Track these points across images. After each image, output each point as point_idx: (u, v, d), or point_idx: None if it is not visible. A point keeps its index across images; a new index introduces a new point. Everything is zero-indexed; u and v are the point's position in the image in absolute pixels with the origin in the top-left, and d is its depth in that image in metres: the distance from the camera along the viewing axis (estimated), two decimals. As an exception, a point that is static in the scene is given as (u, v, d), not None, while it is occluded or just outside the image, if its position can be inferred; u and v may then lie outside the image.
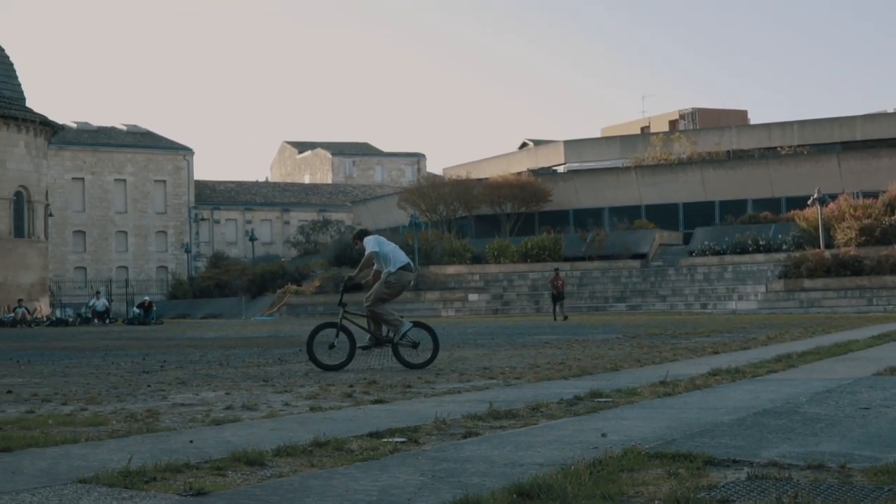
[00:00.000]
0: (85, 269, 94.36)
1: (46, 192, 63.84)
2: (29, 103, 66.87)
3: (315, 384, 13.09)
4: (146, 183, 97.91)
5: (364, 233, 17.17)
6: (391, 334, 16.20)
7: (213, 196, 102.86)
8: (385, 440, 7.71)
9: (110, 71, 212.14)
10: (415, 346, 16.15)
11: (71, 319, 57.00)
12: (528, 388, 12.09)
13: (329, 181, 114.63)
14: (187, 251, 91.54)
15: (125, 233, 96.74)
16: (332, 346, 16.20)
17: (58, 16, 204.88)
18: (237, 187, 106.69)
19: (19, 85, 70.30)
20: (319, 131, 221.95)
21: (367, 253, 16.41)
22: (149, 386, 13.35)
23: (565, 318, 43.14)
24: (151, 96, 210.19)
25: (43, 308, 60.61)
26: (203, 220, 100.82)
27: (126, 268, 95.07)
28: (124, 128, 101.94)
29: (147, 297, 61.63)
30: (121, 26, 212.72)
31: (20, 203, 59.87)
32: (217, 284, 75.82)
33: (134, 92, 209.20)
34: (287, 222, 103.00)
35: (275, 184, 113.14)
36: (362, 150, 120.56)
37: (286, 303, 61.51)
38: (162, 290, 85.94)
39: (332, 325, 16.57)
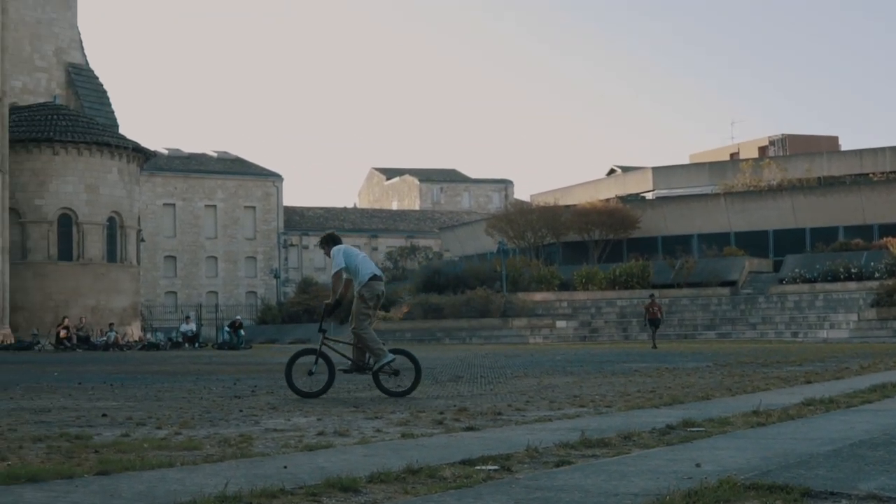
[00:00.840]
0: (175, 293, 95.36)
1: (138, 218, 64.67)
2: (122, 130, 67.86)
3: (405, 411, 13.11)
4: (236, 209, 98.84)
5: (332, 239, 16.52)
6: (371, 361, 15.98)
7: (301, 222, 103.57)
8: (478, 468, 7.70)
9: (201, 98, 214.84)
10: (395, 373, 15.90)
11: (162, 343, 57.63)
12: (619, 417, 12.02)
13: (417, 208, 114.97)
14: (276, 276, 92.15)
15: (215, 258, 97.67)
16: (310, 374, 15.89)
17: (149, 44, 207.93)
18: (326, 213, 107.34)
19: (112, 112, 71.37)
20: (407, 158, 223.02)
21: (333, 272, 15.95)
22: (241, 411, 13.44)
23: (654, 346, 42.47)
24: (242, 123, 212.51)
25: (134, 332, 61.34)
26: (292, 245, 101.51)
27: (216, 293, 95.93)
28: (215, 154, 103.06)
29: (238, 318, 62.14)
30: (211, 54, 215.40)
31: (113, 228, 60.68)
32: (305, 310, 76.14)
33: (224, 119, 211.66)
34: (375, 248, 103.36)
35: (363, 210, 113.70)
36: (450, 177, 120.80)
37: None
38: (251, 315, 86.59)
39: (312, 351, 16.22)
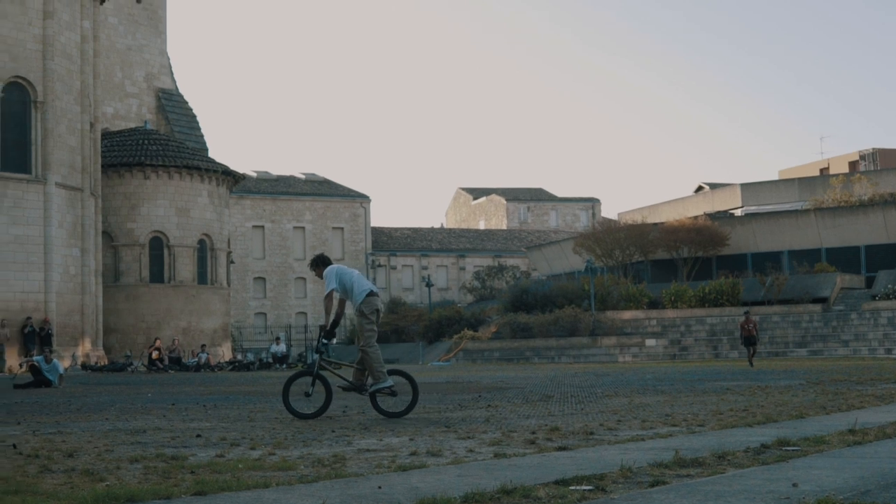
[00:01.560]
0: (265, 314, 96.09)
1: (228, 240, 65.29)
2: (211, 154, 68.75)
3: (497, 430, 13.10)
4: (324, 230, 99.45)
5: (322, 260, 16.63)
6: (370, 381, 16.02)
7: (389, 242, 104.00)
8: (572, 488, 7.68)
9: (289, 121, 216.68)
10: (393, 394, 15.96)
11: (252, 364, 58.05)
12: (712, 436, 11.92)
13: (504, 227, 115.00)
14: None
15: (304, 279, 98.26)
16: (308, 395, 16.09)
17: (237, 68, 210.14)
18: (413, 234, 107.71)
19: (202, 136, 72.28)
20: (494, 177, 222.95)
21: (325, 294, 16.08)
22: (333, 431, 13.50)
23: (751, 364, 41.56)
24: (329, 145, 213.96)
25: (225, 353, 61.89)
26: (380, 266, 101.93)
27: (305, 313, 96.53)
28: (303, 176, 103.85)
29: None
30: (298, 77, 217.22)
31: (203, 251, 61.31)
32: (394, 330, 76.45)
33: (312, 141, 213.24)
34: (462, 268, 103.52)
35: (450, 230, 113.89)
36: (537, 196, 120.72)
37: (463, 348, 61.70)
38: (339, 336, 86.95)
39: (308, 373, 16.41)
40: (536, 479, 8.06)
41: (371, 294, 16.21)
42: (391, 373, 16.30)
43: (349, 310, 16.80)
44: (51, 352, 33.33)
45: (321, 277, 16.33)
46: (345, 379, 16.42)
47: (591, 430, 12.79)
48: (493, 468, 9.00)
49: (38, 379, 30.57)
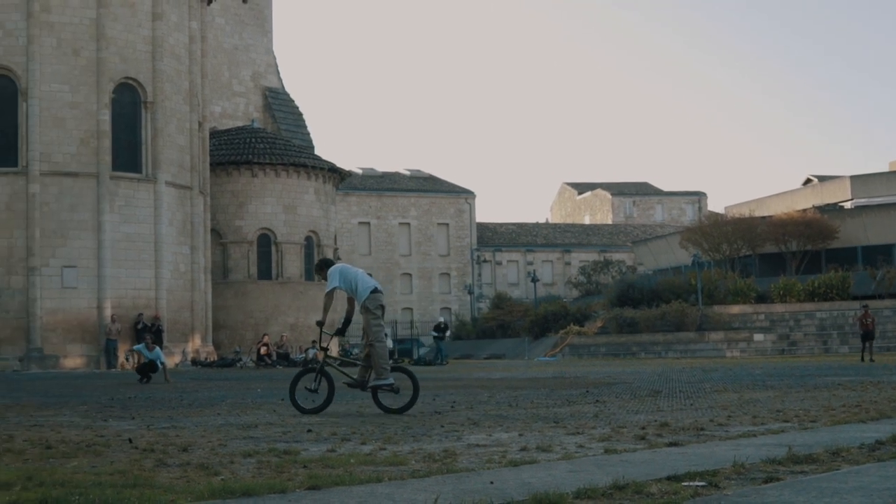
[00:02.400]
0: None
1: (335, 237, 65.69)
2: (317, 151, 69.10)
3: (606, 426, 13.06)
4: (429, 226, 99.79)
5: (326, 263, 16.99)
6: (371, 377, 16.24)
7: (494, 238, 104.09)
8: (685, 484, 7.65)
9: (394, 118, 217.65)
10: (395, 391, 16.14)
11: (359, 360, 58.24)
12: (824, 432, 11.79)
13: (609, 222, 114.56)
14: (470, 292, 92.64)
15: (409, 275, 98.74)
16: (313, 391, 16.34)
17: (342, 66, 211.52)
18: (518, 229, 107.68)
19: (308, 134, 72.79)
20: (599, 172, 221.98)
21: (326, 291, 16.46)
22: (442, 426, 13.54)
23: (872, 360, 40.25)
24: (434, 141, 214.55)
25: (332, 348, 62.28)
26: (485, 261, 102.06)
27: (410, 309, 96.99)
28: (408, 173, 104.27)
29: (442, 319, 62.46)
30: (402, 74, 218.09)
31: (310, 248, 61.74)
32: (500, 325, 76.48)
33: (417, 137, 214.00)
34: (568, 263, 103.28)
35: (555, 225, 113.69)
36: (642, 190, 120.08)
37: (569, 343, 61.56)
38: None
39: (313, 370, 16.73)
40: (648, 475, 8.03)
41: (375, 291, 16.51)
42: (394, 370, 16.64)
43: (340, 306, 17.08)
44: (153, 341, 34.07)
45: (326, 280, 16.72)
46: (349, 376, 16.78)
47: (701, 426, 12.71)
48: (603, 464, 8.99)
49: (144, 365, 31.39)
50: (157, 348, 32.83)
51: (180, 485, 8.13)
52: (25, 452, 10.90)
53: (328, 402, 16.40)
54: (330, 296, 16.48)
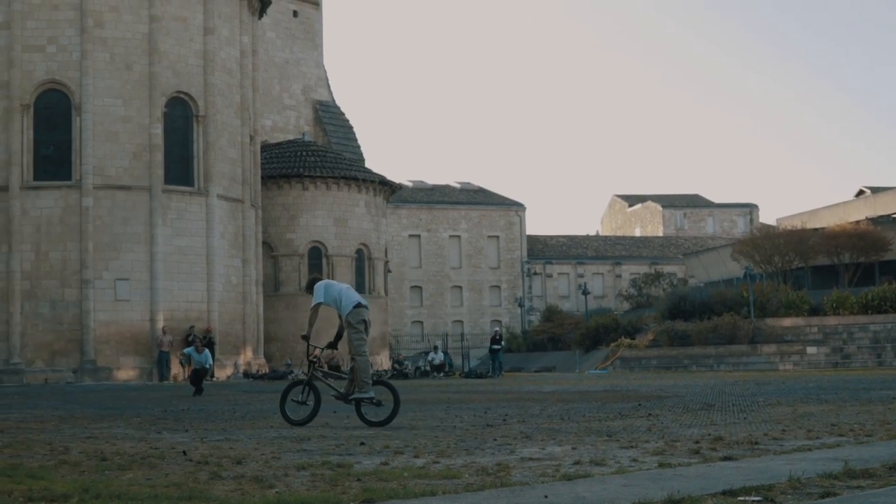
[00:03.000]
0: (422, 322, 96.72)
1: (385, 250, 65.83)
2: (367, 164, 69.34)
3: (659, 440, 13.00)
4: (480, 239, 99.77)
5: (312, 282, 17.32)
6: (353, 389, 16.53)
7: (544, 250, 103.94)
8: (740, 499, 7.60)
9: (444, 130, 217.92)
10: (378, 404, 16.45)
11: (409, 372, 58.30)
12: (881, 447, 11.68)
13: (660, 234, 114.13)
14: (521, 305, 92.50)
15: (460, 287, 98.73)
16: (302, 403, 16.78)
17: (392, 80, 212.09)
18: (568, 241, 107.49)
19: (359, 147, 73.08)
20: (649, 184, 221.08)
21: (311, 306, 16.84)
22: (495, 439, 13.52)
23: None
24: (484, 154, 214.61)
25: (384, 361, 62.35)
26: (535, 274, 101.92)
27: (461, 321, 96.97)
28: (458, 185, 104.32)
29: (497, 329, 62.25)
30: (452, 88, 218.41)
31: (361, 260, 61.94)
32: (550, 338, 76.31)
33: (467, 150, 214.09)
34: (619, 276, 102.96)
35: (605, 237, 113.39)
36: (693, 202, 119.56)
37: (620, 356, 61.33)
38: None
39: (301, 382, 17.22)
40: (703, 490, 7.99)
41: (358, 306, 16.91)
42: (376, 383, 17.01)
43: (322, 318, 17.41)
44: (202, 345, 34.77)
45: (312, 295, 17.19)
46: (335, 389, 17.12)
47: (755, 440, 12.62)
48: (658, 478, 8.95)
49: (196, 372, 31.89)
50: (207, 350, 33.56)
51: (235, 497, 8.17)
52: (81, 464, 11.00)
53: (314, 413, 16.89)
54: (315, 311, 16.93)
